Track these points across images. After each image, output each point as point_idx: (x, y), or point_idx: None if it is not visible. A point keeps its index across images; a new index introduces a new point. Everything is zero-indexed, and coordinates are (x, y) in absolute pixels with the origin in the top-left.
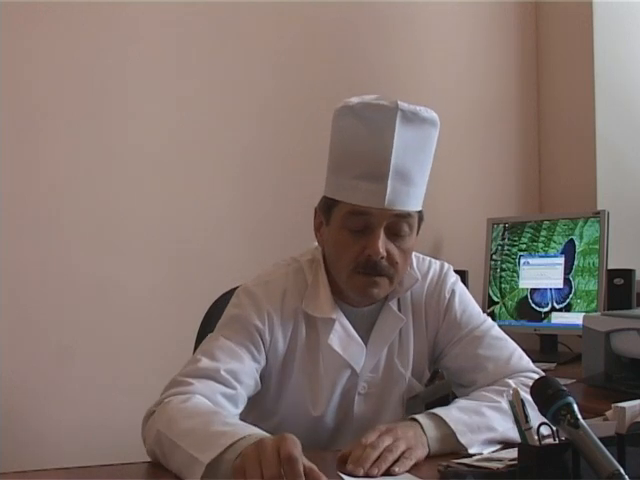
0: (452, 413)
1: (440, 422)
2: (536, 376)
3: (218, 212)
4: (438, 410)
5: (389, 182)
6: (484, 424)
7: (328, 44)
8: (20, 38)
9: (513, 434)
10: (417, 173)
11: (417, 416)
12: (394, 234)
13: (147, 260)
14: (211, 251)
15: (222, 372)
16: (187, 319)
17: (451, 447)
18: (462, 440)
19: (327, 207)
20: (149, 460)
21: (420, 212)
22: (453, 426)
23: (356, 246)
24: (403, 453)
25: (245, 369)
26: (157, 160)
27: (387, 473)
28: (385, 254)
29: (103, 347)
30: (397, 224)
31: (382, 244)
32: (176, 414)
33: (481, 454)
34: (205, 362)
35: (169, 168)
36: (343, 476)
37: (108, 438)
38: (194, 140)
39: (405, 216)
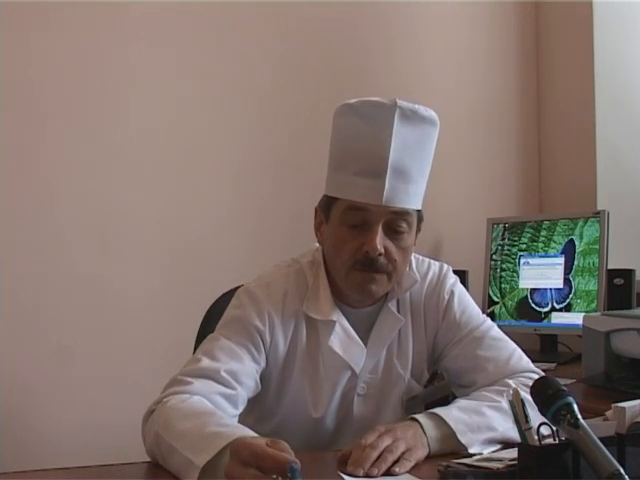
0: (452, 413)
1: (440, 422)
2: (536, 376)
3: (218, 212)
4: (438, 410)
5: (387, 179)
6: (484, 424)
7: (328, 44)
8: (20, 37)
9: (513, 434)
10: (415, 171)
11: (417, 416)
12: (392, 231)
13: (147, 260)
14: (211, 251)
15: (222, 372)
16: (187, 319)
17: (451, 447)
18: (462, 440)
19: (327, 205)
20: (149, 460)
21: (419, 212)
22: (453, 426)
23: (354, 242)
24: (403, 454)
25: (245, 370)
26: (157, 160)
27: (387, 473)
28: (383, 251)
29: (103, 347)
30: (395, 221)
31: (380, 241)
32: (173, 415)
33: (481, 454)
34: (205, 362)
35: (169, 168)
36: (343, 476)
37: (108, 438)
38: (194, 140)
39: (403, 214)
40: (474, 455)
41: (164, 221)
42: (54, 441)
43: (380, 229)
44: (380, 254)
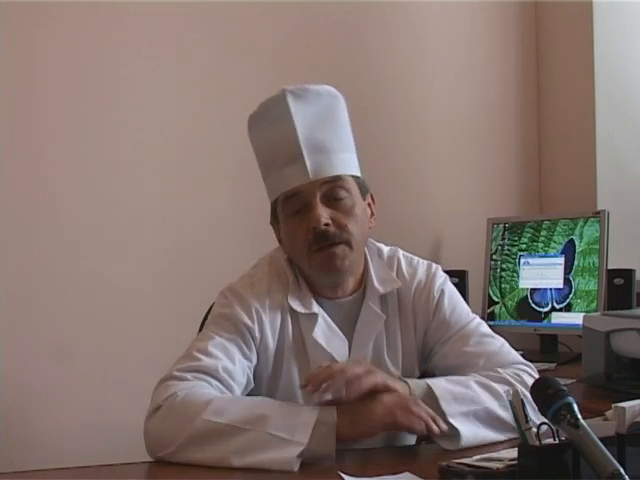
0: (440, 382)
1: (427, 388)
2: (526, 368)
3: (218, 212)
4: (427, 379)
5: (306, 157)
6: (469, 396)
7: (328, 44)
8: (20, 37)
9: (500, 412)
10: (332, 141)
11: (406, 379)
12: (332, 200)
13: (147, 260)
14: (211, 250)
15: (220, 370)
16: (187, 319)
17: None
18: (444, 406)
19: (273, 211)
20: (149, 460)
21: (359, 179)
22: (438, 394)
23: (302, 226)
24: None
25: (237, 368)
26: (157, 160)
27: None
28: (329, 221)
29: (103, 347)
30: (332, 190)
31: (322, 212)
32: (220, 400)
33: (481, 454)
34: (202, 359)
35: (169, 168)
36: (343, 476)
37: (108, 438)
38: (194, 139)
39: (335, 180)
40: (474, 455)
41: (164, 220)
42: (54, 441)
43: (319, 202)
44: (327, 224)
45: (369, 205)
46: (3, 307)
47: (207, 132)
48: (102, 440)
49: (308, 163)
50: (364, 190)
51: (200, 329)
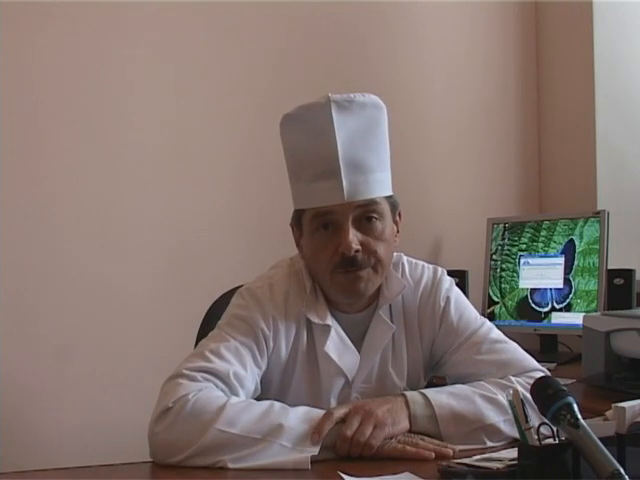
0: (442, 399)
1: (427, 403)
2: (540, 374)
3: (218, 212)
4: (430, 392)
5: (343, 175)
6: (471, 412)
7: (328, 44)
8: (21, 37)
9: (503, 427)
10: (371, 159)
11: (407, 393)
12: (364, 225)
13: (147, 260)
14: (211, 251)
15: (230, 376)
16: (187, 319)
17: (432, 431)
18: (442, 430)
19: (297, 219)
20: (149, 460)
21: (391, 198)
22: (437, 412)
23: (329, 247)
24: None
25: (248, 375)
26: (157, 160)
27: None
28: (359, 247)
29: (103, 347)
30: (364, 214)
31: (353, 238)
32: (234, 409)
33: (481, 454)
34: (214, 362)
35: (169, 168)
36: (343, 476)
37: (108, 438)
38: (194, 140)
39: (370, 204)
40: (474, 455)
41: (164, 221)
42: (54, 441)
43: (350, 226)
44: (357, 251)
45: (396, 223)
46: (3, 307)
47: (207, 132)
48: (102, 440)
49: (344, 183)
50: (394, 209)
51: (200, 329)
